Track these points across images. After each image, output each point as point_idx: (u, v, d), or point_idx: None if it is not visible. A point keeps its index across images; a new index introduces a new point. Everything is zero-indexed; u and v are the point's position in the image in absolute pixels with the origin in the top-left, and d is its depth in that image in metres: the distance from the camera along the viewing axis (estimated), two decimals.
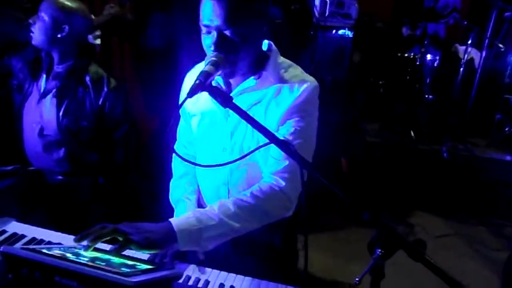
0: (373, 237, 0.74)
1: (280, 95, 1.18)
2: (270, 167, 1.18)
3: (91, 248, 0.90)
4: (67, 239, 1.19)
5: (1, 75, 1.89)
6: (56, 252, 0.84)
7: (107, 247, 1.12)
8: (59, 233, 1.22)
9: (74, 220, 1.68)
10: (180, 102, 0.89)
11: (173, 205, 1.35)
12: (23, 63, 1.82)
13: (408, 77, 3.80)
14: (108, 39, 2.82)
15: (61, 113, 1.72)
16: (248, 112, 1.17)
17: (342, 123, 3.25)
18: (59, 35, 1.69)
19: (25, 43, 1.81)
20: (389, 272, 0.78)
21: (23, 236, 1.19)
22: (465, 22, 3.55)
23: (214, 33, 1.05)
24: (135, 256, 1.05)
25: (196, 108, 1.28)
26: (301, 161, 0.78)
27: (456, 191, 3.40)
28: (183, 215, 1.09)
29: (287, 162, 1.14)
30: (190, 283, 1.05)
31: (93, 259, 0.85)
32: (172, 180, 1.43)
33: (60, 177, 1.81)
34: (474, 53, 3.82)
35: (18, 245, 1.15)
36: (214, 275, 1.10)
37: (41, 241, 1.17)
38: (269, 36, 1.20)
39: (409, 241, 0.73)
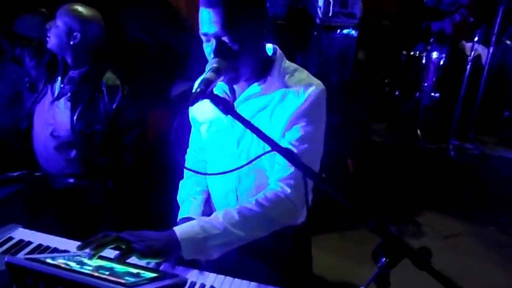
0: (377, 246, 0.73)
1: (286, 100, 1.16)
2: (276, 174, 1.17)
3: (95, 257, 0.91)
4: (74, 246, 1.17)
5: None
6: (60, 261, 0.84)
7: (112, 254, 1.12)
8: (66, 239, 1.22)
9: (84, 225, 1.70)
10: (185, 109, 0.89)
11: (179, 204, 1.36)
12: (37, 61, 1.87)
13: (414, 75, 3.77)
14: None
15: (75, 117, 1.76)
16: (254, 118, 1.18)
17: (348, 123, 3.23)
18: (71, 42, 1.74)
19: (39, 43, 1.85)
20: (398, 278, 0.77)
21: (29, 243, 1.19)
22: (472, 19, 3.51)
23: (213, 41, 1.05)
24: (140, 263, 1.05)
25: (204, 116, 1.29)
26: (305, 169, 0.77)
27: (464, 190, 3.36)
28: (186, 224, 1.08)
29: (292, 169, 1.13)
30: None
31: (97, 268, 0.85)
32: (181, 180, 1.43)
33: (70, 180, 1.84)
34: (481, 50, 3.78)
35: (24, 251, 1.15)
36: (219, 281, 1.09)
37: (47, 248, 1.18)
38: (271, 38, 1.19)
39: (414, 250, 0.72)
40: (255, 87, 1.17)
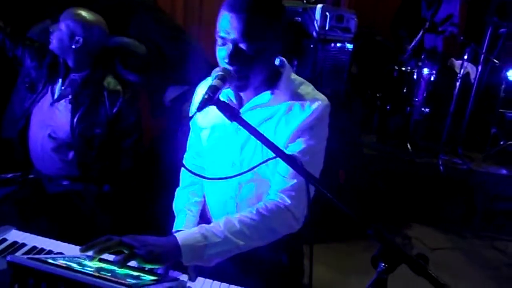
0: (376, 252, 0.75)
1: (291, 112, 1.18)
2: (277, 185, 1.17)
3: (96, 259, 0.91)
4: (68, 248, 1.18)
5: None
6: (61, 262, 0.84)
7: (111, 257, 1.12)
8: (60, 242, 1.21)
9: (78, 228, 1.69)
10: (190, 115, 0.91)
11: (175, 213, 1.36)
12: (38, 62, 1.88)
13: (405, 90, 3.84)
14: None
15: (75, 120, 1.77)
16: (258, 127, 1.18)
17: (340, 135, 3.27)
18: (73, 46, 1.75)
19: (42, 44, 1.86)
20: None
21: (23, 245, 1.18)
22: (462, 38, 3.61)
23: (230, 45, 1.05)
24: (139, 266, 1.05)
25: (207, 121, 1.28)
26: (308, 177, 0.79)
27: (451, 204, 3.42)
28: (188, 230, 1.09)
29: (294, 181, 1.14)
30: None
31: (98, 270, 0.86)
32: (178, 188, 1.43)
33: (65, 183, 1.83)
34: (470, 68, 3.87)
35: (19, 253, 1.14)
36: (215, 287, 1.10)
37: (41, 250, 1.17)
38: (282, 52, 1.21)
39: (412, 256, 0.74)
40: (264, 97, 1.18)
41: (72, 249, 1.18)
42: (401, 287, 1.24)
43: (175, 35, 2.75)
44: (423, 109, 3.80)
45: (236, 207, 1.28)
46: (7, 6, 2.12)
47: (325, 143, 1.23)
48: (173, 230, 1.29)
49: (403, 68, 3.82)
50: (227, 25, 1.03)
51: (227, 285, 1.10)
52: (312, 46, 3.11)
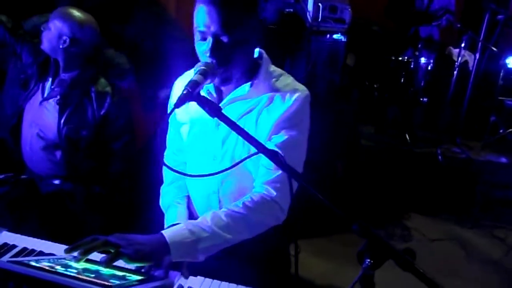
0: (362, 247, 0.74)
1: (272, 104, 1.18)
2: (262, 177, 1.17)
3: (83, 260, 0.90)
4: (59, 249, 1.17)
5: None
6: (45, 264, 0.83)
7: (98, 257, 1.11)
8: (51, 243, 1.20)
9: (69, 229, 1.68)
10: (169, 111, 0.89)
11: (164, 211, 1.35)
12: (33, 60, 1.87)
13: (402, 80, 3.81)
14: None
15: (62, 121, 1.75)
16: (239, 120, 1.18)
17: (337, 126, 3.25)
18: (61, 46, 1.73)
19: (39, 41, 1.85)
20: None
21: (14, 246, 1.17)
22: (458, 25, 3.57)
23: (210, 39, 1.05)
24: (126, 266, 1.04)
25: (187, 116, 1.28)
26: (290, 171, 0.78)
27: (451, 193, 3.41)
28: (175, 227, 1.08)
29: (279, 172, 1.14)
30: None
31: (82, 271, 0.85)
32: (162, 186, 1.42)
33: (56, 182, 1.82)
34: (468, 56, 3.84)
35: (9, 255, 1.13)
36: (206, 284, 1.09)
37: (32, 251, 1.16)
38: (263, 42, 1.20)
39: (398, 251, 0.73)
40: (242, 89, 1.18)
41: (63, 249, 1.17)
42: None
43: (170, 30, 2.73)
44: (421, 98, 3.77)
45: (219, 202, 1.27)
46: (8, 1, 2.10)
47: (307, 133, 1.22)
48: (165, 226, 1.28)
49: (400, 58, 3.79)
50: (205, 18, 1.03)
51: (218, 281, 1.10)
52: (305, 37, 3.07)
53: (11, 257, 1.11)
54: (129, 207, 1.94)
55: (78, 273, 0.82)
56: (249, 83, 1.17)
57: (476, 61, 3.63)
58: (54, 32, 1.72)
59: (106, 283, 0.77)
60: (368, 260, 0.72)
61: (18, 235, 1.23)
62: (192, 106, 1.17)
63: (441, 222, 3.23)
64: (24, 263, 0.79)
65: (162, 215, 1.36)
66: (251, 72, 1.18)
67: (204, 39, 1.06)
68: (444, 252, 2.86)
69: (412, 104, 3.82)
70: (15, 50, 1.91)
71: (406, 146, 3.68)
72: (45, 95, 1.81)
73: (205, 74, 0.96)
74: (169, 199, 1.35)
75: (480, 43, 3.55)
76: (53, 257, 0.96)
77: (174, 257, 1.02)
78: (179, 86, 1.35)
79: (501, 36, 3.84)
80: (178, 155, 1.42)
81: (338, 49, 3.33)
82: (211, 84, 1.18)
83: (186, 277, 1.10)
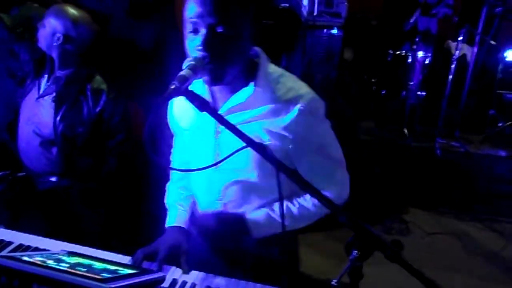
0: (349, 239, 0.75)
1: (276, 117, 1.08)
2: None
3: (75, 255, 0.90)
4: (56, 245, 1.19)
5: None
6: (37, 259, 0.84)
7: (94, 253, 1.13)
8: (48, 239, 1.22)
9: (65, 225, 1.69)
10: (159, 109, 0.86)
11: (167, 208, 1.35)
12: (30, 57, 1.89)
13: (400, 74, 3.80)
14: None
15: (58, 118, 1.76)
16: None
17: (335, 121, 3.25)
18: (54, 43, 1.73)
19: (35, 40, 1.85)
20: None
21: (10, 243, 1.19)
22: (456, 19, 3.54)
23: (203, 31, 0.96)
24: (121, 261, 1.05)
25: (187, 123, 1.22)
26: (278, 165, 0.78)
27: (449, 187, 3.41)
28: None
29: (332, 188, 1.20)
30: (177, 287, 1.05)
31: (74, 265, 0.86)
32: (168, 183, 1.41)
33: (52, 179, 1.83)
34: (466, 49, 3.82)
35: (5, 251, 1.15)
36: (200, 278, 1.10)
37: (28, 248, 1.17)
38: (258, 38, 1.14)
39: (386, 242, 0.73)
40: (240, 96, 1.08)
41: (59, 246, 1.19)
42: None
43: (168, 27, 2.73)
44: (419, 92, 3.76)
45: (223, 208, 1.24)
46: None
47: (332, 134, 1.22)
48: (166, 225, 1.29)
49: (398, 52, 3.78)
50: (199, 8, 0.95)
51: (211, 275, 1.11)
52: (301, 32, 3.06)
53: (9, 252, 1.13)
54: (126, 203, 1.95)
55: (70, 267, 0.83)
56: (247, 89, 1.07)
57: (474, 54, 3.61)
58: (48, 30, 1.73)
59: (97, 277, 0.78)
60: (356, 251, 0.73)
61: (14, 232, 1.25)
62: (191, 113, 1.15)
63: (439, 216, 3.24)
64: (16, 258, 0.80)
65: (162, 211, 1.36)
66: (248, 73, 1.08)
67: (196, 31, 0.97)
68: (442, 245, 2.87)
69: (410, 98, 3.81)
70: (12, 48, 1.92)
71: (404, 141, 3.68)
72: (41, 92, 1.81)
73: (195, 69, 0.89)
74: (172, 199, 1.34)
75: (478, 36, 3.53)
76: (47, 252, 0.97)
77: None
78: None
79: (499, 29, 3.81)
80: (183, 156, 1.37)
81: (334, 44, 3.30)
82: (205, 87, 1.11)
83: (187, 273, 1.11)
